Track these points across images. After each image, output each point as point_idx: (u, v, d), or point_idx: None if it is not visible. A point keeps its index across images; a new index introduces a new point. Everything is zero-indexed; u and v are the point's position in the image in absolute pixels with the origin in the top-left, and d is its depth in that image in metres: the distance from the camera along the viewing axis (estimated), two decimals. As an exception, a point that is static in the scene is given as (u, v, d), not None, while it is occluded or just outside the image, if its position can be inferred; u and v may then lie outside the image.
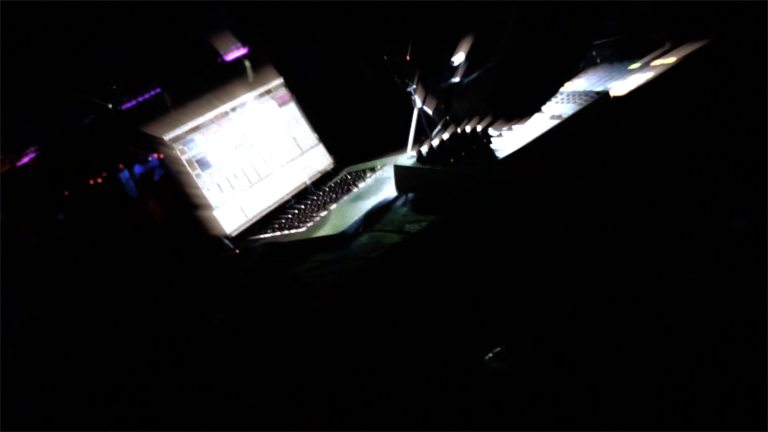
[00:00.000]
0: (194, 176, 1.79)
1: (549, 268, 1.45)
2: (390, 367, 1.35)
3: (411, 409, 1.32)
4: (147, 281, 1.76)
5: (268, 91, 2.05)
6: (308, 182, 2.02)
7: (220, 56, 6.64)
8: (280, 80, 2.08)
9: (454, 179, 1.48)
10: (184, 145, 1.81)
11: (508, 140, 1.53)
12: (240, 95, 1.98)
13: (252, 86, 2.01)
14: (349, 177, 1.98)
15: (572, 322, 1.35)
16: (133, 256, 1.82)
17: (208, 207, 1.78)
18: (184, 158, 1.79)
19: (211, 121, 1.90)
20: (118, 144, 1.97)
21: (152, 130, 1.77)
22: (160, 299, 1.72)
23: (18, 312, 1.73)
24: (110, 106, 2.02)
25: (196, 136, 1.85)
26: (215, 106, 1.91)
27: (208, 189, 1.81)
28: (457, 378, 1.34)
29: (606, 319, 1.35)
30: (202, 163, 1.82)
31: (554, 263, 1.46)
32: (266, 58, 2.18)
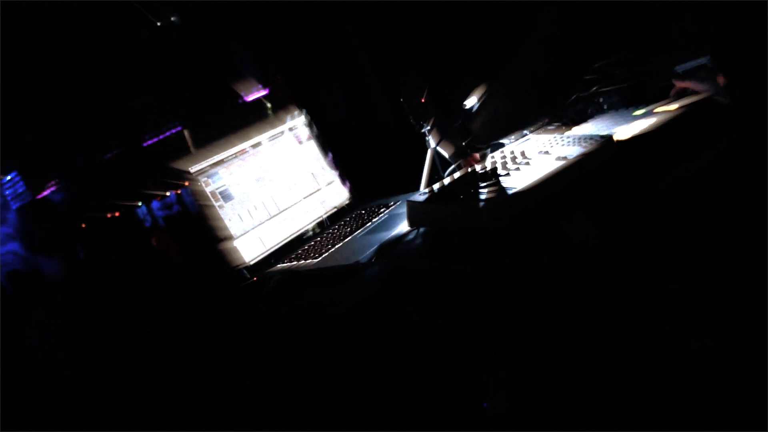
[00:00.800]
0: (217, 207, 1.89)
1: (550, 303, 1.51)
2: (401, 392, 1.41)
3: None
4: (167, 308, 1.84)
5: (290, 129, 2.15)
6: (324, 216, 2.11)
7: (241, 97, 6.79)
8: (301, 119, 2.19)
9: (462, 215, 1.56)
10: (208, 177, 1.92)
11: (516, 179, 1.61)
12: (263, 132, 2.08)
13: (274, 124, 2.11)
14: (363, 212, 2.07)
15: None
16: (151, 287, 1.91)
17: (230, 237, 1.87)
18: (208, 190, 1.89)
19: (235, 155, 2.00)
20: (143, 177, 2.08)
21: (178, 164, 1.87)
22: (180, 324, 1.80)
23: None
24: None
25: (220, 170, 1.95)
26: (239, 143, 2.01)
27: (230, 219, 1.90)
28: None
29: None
30: (225, 195, 1.92)
31: (556, 298, 1.52)
32: (287, 98, 2.29)
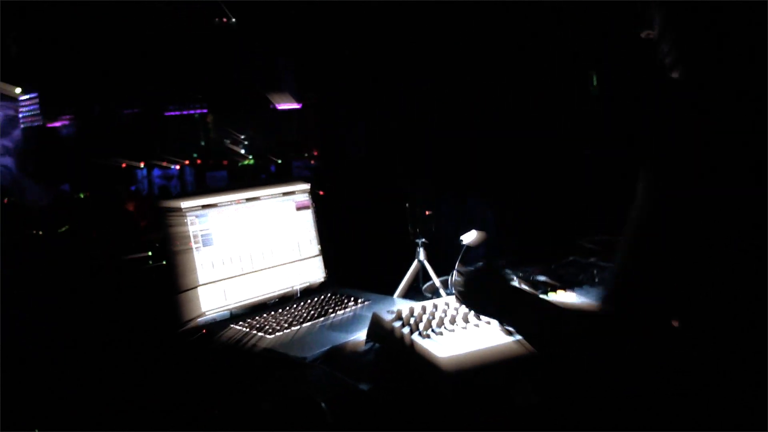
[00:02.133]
0: (194, 249, 1.87)
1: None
2: None
3: None
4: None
5: (292, 192, 2.15)
6: (295, 289, 2.09)
7: (274, 105, 6.80)
8: (307, 185, 2.18)
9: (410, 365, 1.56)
10: (196, 216, 1.90)
11: (477, 337, 1.60)
12: (266, 188, 2.08)
13: (279, 184, 2.11)
14: (334, 298, 2.06)
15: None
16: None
17: (195, 282, 1.86)
18: (191, 229, 1.88)
19: (230, 202, 1.99)
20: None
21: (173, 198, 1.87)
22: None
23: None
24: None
25: (210, 212, 1.94)
26: (239, 192, 2.01)
27: (201, 265, 1.89)
28: None
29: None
30: (206, 240, 1.91)
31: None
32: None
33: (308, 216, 2.18)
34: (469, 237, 1.87)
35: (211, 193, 1.95)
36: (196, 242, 1.89)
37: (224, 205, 1.98)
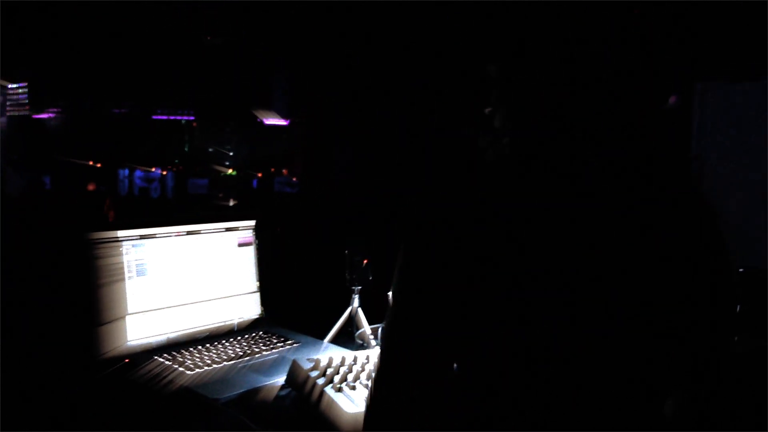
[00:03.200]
0: (126, 279, 1.90)
1: None
2: None
3: None
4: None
5: (236, 228, 2.17)
6: (226, 324, 2.12)
7: (261, 120, 6.84)
8: (252, 222, 2.21)
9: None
10: (133, 246, 1.93)
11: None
12: (209, 222, 2.10)
13: (223, 218, 2.13)
14: (264, 336, 2.08)
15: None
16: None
17: (123, 312, 1.88)
18: (125, 259, 1.90)
19: (170, 234, 2.01)
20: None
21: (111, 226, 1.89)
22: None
23: None
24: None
25: (148, 242, 1.96)
26: (182, 224, 2.03)
27: (132, 294, 1.91)
28: None
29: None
30: (140, 270, 1.93)
31: None
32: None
33: (250, 252, 2.20)
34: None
35: (151, 224, 1.98)
36: (129, 271, 1.91)
37: (163, 236, 2.00)
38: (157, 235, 1.99)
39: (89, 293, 1.83)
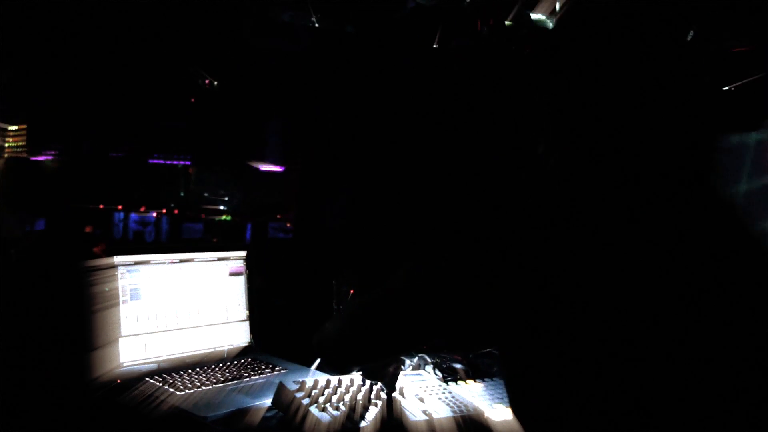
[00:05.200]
0: (121, 302, 1.97)
1: None
2: None
3: None
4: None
5: (227, 258, 2.25)
6: (216, 350, 2.18)
7: (257, 167, 6.92)
8: (243, 253, 2.29)
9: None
10: (128, 271, 2.00)
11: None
12: (202, 252, 2.18)
13: (215, 248, 2.21)
14: (252, 363, 2.14)
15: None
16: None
17: (116, 333, 1.95)
18: (120, 284, 1.98)
19: (164, 261, 2.09)
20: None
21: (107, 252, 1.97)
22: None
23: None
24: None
25: (143, 268, 2.04)
26: (174, 252, 2.11)
27: (126, 317, 1.98)
28: None
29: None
30: (134, 294, 2.00)
31: None
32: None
33: (240, 282, 2.28)
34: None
35: (146, 251, 2.06)
36: (123, 295, 1.98)
37: (157, 263, 2.08)
38: (151, 262, 2.07)
39: (84, 319, 1.90)
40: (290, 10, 3.94)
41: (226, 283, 2.24)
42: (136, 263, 2.03)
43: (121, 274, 1.99)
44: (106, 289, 1.94)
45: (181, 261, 2.13)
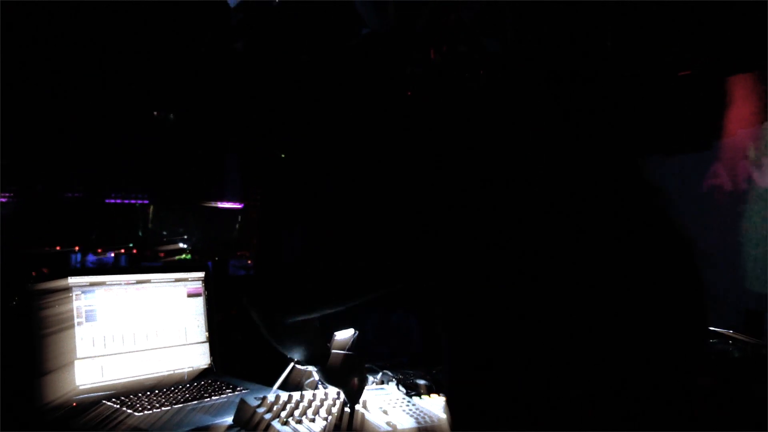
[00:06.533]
0: (76, 324, 1.93)
1: None
2: None
3: None
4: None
5: (185, 279, 2.23)
6: (175, 372, 2.14)
7: (217, 202, 6.84)
8: (201, 274, 2.26)
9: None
10: (83, 292, 1.97)
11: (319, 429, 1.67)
12: (158, 273, 2.15)
13: (172, 269, 2.18)
14: (213, 384, 2.11)
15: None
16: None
17: (71, 357, 1.90)
18: (75, 305, 1.94)
19: (120, 282, 2.06)
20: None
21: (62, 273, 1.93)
22: None
23: None
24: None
25: (98, 289, 2.00)
26: (132, 273, 2.08)
27: (81, 339, 1.94)
28: None
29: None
30: (89, 315, 1.96)
31: None
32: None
33: (199, 303, 2.25)
34: (341, 335, 1.96)
35: (102, 272, 2.03)
36: (79, 317, 1.94)
37: (113, 284, 2.04)
38: (107, 283, 2.04)
39: (37, 342, 1.86)
40: (242, 38, 3.97)
41: (185, 305, 2.21)
42: (92, 284, 1.99)
43: (76, 295, 1.95)
44: (61, 311, 1.89)
45: (138, 282, 2.10)
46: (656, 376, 1.14)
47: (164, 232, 7.52)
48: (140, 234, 7.51)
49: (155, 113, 5.15)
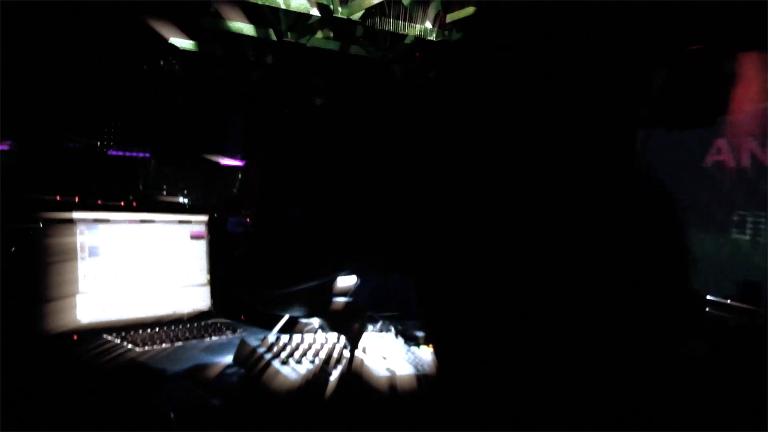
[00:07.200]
0: (79, 259, 1.93)
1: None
2: None
3: None
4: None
5: (189, 221, 2.23)
6: (176, 313, 2.15)
7: (218, 161, 6.82)
8: (205, 217, 2.26)
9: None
10: (87, 228, 1.97)
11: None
12: (162, 213, 2.15)
13: (177, 211, 2.18)
14: (213, 325, 2.12)
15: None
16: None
17: (74, 291, 1.91)
18: (79, 239, 1.94)
19: (124, 220, 2.06)
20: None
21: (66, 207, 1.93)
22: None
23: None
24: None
25: (102, 226, 2.00)
26: (135, 212, 2.08)
27: (84, 276, 1.94)
28: None
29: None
30: (93, 251, 1.97)
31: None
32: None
33: (201, 246, 2.25)
34: (344, 281, 1.96)
35: (106, 209, 2.02)
36: (82, 252, 1.94)
37: (117, 222, 2.04)
38: (111, 221, 2.04)
39: (41, 269, 1.86)
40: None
41: (187, 246, 2.21)
42: (96, 221, 1.99)
43: (80, 230, 1.95)
44: (65, 244, 1.89)
45: (142, 221, 2.10)
46: (646, 344, 1.14)
47: (164, 187, 7.52)
48: (140, 188, 7.50)
49: (161, 62, 5.12)
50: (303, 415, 1.59)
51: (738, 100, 4.15)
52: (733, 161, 4.14)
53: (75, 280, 1.92)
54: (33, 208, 1.87)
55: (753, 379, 1.89)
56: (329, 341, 1.87)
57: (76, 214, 1.95)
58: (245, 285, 1.60)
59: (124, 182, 7.60)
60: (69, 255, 1.90)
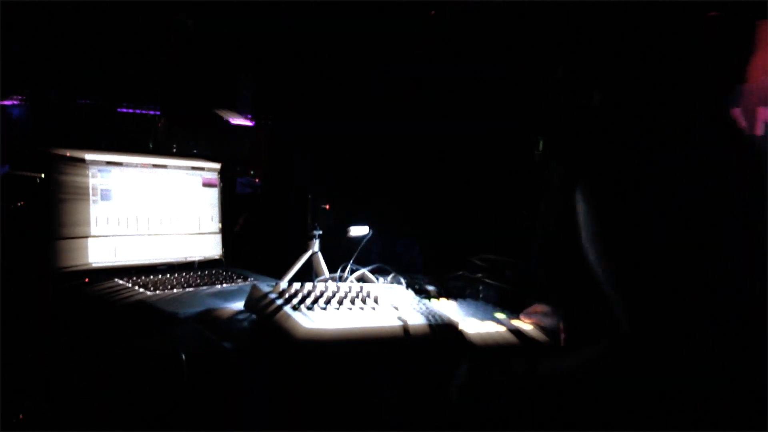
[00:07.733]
0: (91, 201, 1.92)
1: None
2: None
3: None
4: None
5: (201, 168, 2.21)
6: (187, 260, 2.14)
7: (227, 120, 6.80)
8: (217, 165, 2.25)
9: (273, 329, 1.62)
10: (99, 171, 1.95)
11: (351, 317, 1.67)
12: (175, 159, 2.13)
13: (191, 157, 2.16)
14: (223, 273, 2.11)
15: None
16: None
17: (86, 233, 1.90)
18: (91, 182, 1.92)
19: (137, 165, 2.04)
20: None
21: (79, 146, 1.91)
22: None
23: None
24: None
25: (114, 170, 1.99)
26: (149, 156, 2.06)
27: (96, 218, 1.93)
28: None
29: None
30: (104, 194, 1.95)
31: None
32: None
33: (213, 194, 2.24)
34: (357, 230, 1.95)
35: (119, 151, 2.01)
36: (94, 195, 1.93)
37: (129, 166, 2.03)
38: (124, 164, 2.02)
39: (53, 206, 1.85)
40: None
41: (199, 194, 2.19)
42: (108, 164, 1.97)
43: (92, 173, 1.93)
44: (77, 184, 1.88)
45: (154, 166, 2.08)
46: None
47: (174, 145, 7.50)
48: (150, 146, 7.48)
49: (174, 17, 5.07)
50: (312, 360, 1.59)
51: (754, 68, 4.09)
52: (747, 130, 4.10)
53: (87, 222, 1.91)
54: (46, 144, 1.85)
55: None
56: (341, 290, 1.86)
57: (88, 156, 1.93)
58: None
59: (134, 140, 7.59)
60: (81, 195, 1.89)
